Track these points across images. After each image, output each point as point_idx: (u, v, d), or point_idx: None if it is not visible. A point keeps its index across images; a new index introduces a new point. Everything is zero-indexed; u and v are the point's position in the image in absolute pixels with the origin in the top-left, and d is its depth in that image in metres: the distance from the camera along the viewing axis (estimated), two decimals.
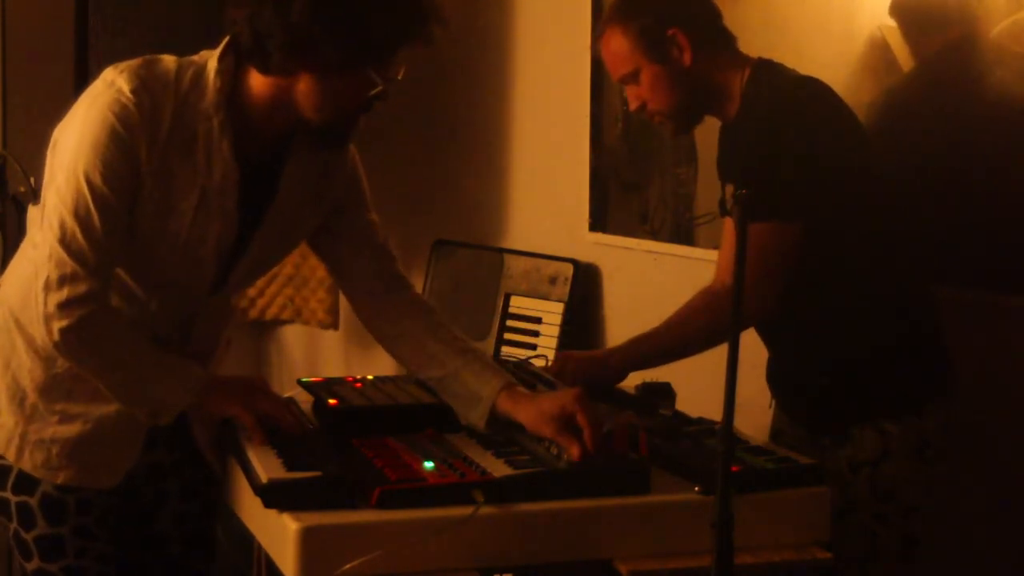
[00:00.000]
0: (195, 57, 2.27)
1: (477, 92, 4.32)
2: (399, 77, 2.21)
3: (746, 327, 2.46)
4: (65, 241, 2.18)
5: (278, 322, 5.10)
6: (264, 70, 2.20)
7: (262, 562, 2.96)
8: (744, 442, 2.38)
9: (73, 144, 2.20)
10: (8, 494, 2.35)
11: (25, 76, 4.48)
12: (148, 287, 2.32)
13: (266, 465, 2.12)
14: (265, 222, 2.33)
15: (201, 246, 2.28)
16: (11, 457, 2.33)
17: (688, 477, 2.23)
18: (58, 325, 2.19)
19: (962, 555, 2.71)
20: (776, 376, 2.70)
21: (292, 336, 5.15)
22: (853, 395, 2.53)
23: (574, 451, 2.19)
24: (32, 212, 2.39)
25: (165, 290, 2.33)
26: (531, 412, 2.29)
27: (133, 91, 2.18)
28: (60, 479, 2.32)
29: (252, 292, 4.93)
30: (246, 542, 2.43)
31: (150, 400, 2.27)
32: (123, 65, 2.22)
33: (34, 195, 3.41)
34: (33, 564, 2.35)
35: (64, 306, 2.18)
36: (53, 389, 2.32)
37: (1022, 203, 2.57)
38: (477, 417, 2.35)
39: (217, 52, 2.25)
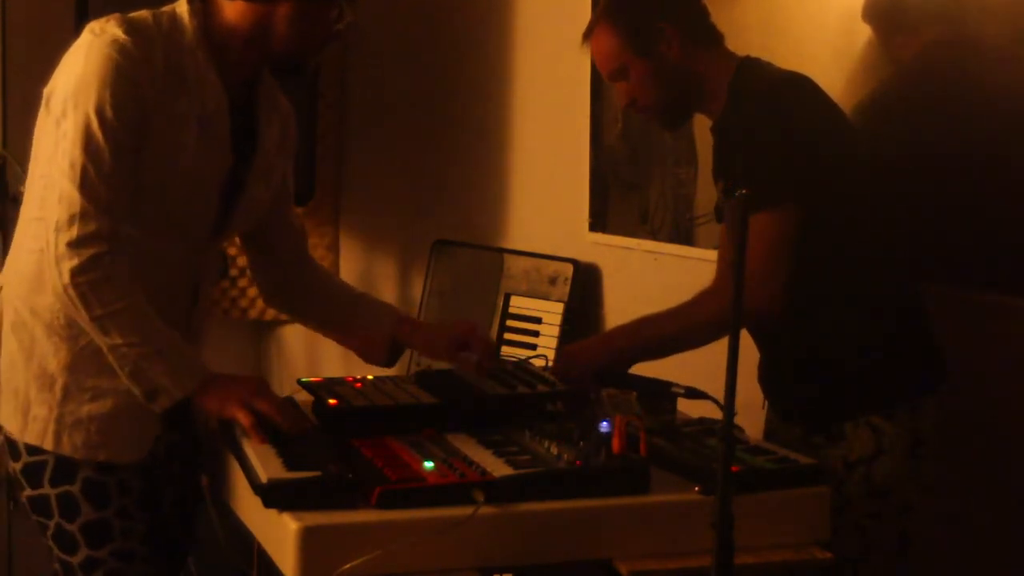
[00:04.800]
0: (163, 8, 2.38)
1: (477, 92, 4.32)
2: (353, 19, 2.40)
3: (755, 319, 2.45)
4: (75, 179, 2.22)
5: (278, 322, 5.11)
6: None
7: (262, 562, 2.96)
8: (744, 442, 2.39)
9: (73, 88, 2.26)
10: (46, 489, 2.35)
11: (25, 76, 4.48)
12: (156, 232, 2.35)
13: (266, 465, 2.12)
14: (257, 156, 2.44)
15: (205, 180, 2.36)
16: (49, 445, 2.34)
17: (688, 477, 2.23)
18: (68, 265, 2.21)
19: (956, 554, 2.71)
20: (768, 376, 2.70)
21: (292, 336, 5.15)
22: (846, 392, 2.53)
23: (469, 366, 2.54)
24: (24, 209, 2.41)
25: (172, 232, 2.38)
26: (425, 337, 2.65)
27: (126, 32, 2.27)
28: (102, 456, 2.34)
29: (252, 292, 4.93)
30: (246, 542, 2.43)
31: (150, 378, 2.26)
32: (102, 19, 2.31)
33: None
34: (80, 555, 2.35)
35: (74, 244, 2.21)
36: (81, 366, 2.34)
37: (1020, 202, 2.57)
38: (381, 352, 2.62)
39: None
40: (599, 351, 2.61)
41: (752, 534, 2.09)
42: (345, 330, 2.68)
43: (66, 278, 2.21)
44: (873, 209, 2.56)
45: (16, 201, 3.90)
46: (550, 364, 2.73)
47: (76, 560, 2.35)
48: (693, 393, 2.47)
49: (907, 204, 2.68)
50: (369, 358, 2.67)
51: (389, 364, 2.65)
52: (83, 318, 2.24)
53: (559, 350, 3.71)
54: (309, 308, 2.72)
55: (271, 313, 4.96)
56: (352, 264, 4.83)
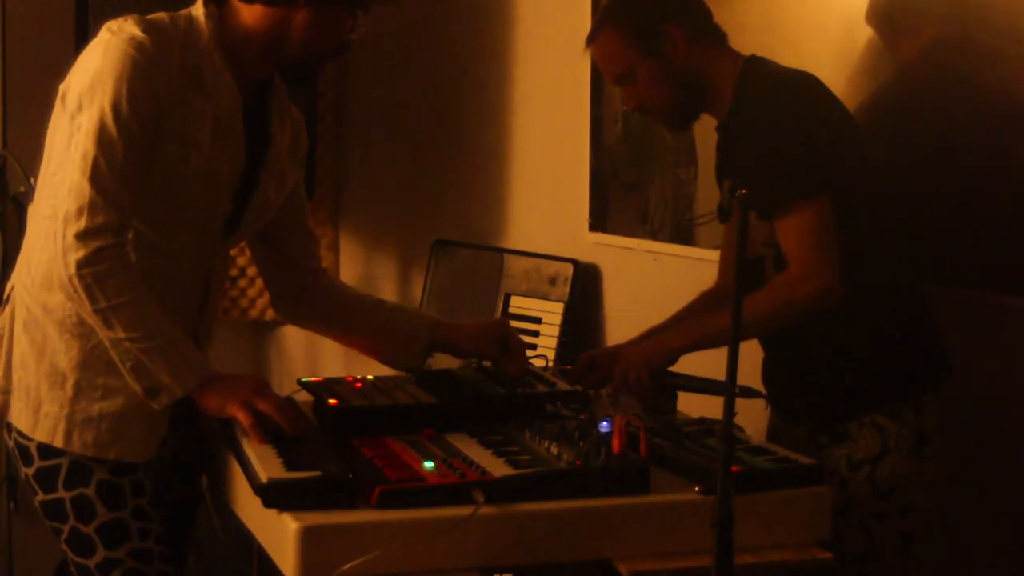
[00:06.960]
0: (180, 11, 2.40)
1: (477, 92, 4.32)
2: (364, 30, 2.45)
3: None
4: (86, 170, 2.23)
5: (278, 322, 5.10)
6: (269, 1, 2.34)
7: (262, 562, 2.96)
8: (744, 442, 2.39)
9: (89, 83, 2.27)
10: (60, 493, 2.35)
11: (25, 76, 4.48)
12: (169, 230, 2.37)
13: (266, 465, 2.12)
14: (270, 156, 2.46)
15: (218, 179, 2.38)
16: (60, 442, 2.33)
17: (688, 477, 2.23)
18: (74, 256, 2.22)
19: (959, 553, 2.71)
20: (772, 376, 2.69)
21: (292, 336, 5.14)
22: (849, 391, 2.53)
23: (514, 369, 2.59)
24: (36, 207, 2.42)
25: (184, 232, 2.39)
26: (472, 336, 2.66)
27: (144, 31, 2.29)
28: (112, 454, 2.33)
29: (252, 292, 4.93)
30: (246, 542, 2.43)
31: (151, 374, 2.26)
32: (119, 19, 2.33)
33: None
34: (96, 557, 2.34)
35: (81, 236, 2.22)
36: (92, 364, 2.34)
37: (1020, 202, 2.57)
38: (417, 355, 2.63)
39: (199, 1, 2.40)
40: (656, 352, 2.55)
41: (752, 534, 2.09)
42: (374, 334, 2.67)
43: (71, 269, 2.21)
44: (877, 208, 2.56)
45: (16, 201, 3.91)
46: (550, 364, 2.74)
47: (93, 562, 2.34)
48: (747, 392, 2.43)
49: (908, 204, 2.68)
50: (398, 362, 2.68)
51: (420, 367, 2.66)
52: (86, 310, 2.25)
53: (558, 350, 3.74)
54: (331, 314, 2.70)
55: (271, 313, 4.96)
56: (352, 264, 4.83)
